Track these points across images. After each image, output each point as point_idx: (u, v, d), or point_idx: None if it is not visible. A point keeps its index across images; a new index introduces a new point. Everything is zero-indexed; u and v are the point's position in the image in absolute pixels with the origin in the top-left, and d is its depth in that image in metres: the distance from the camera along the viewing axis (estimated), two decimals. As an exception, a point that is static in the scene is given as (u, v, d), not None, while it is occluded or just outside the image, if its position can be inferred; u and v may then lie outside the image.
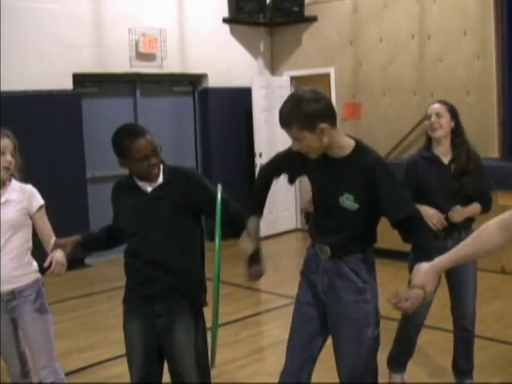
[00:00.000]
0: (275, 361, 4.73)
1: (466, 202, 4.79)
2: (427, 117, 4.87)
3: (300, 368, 3.68)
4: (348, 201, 3.46)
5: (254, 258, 3.70)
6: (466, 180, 4.76)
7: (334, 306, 3.59)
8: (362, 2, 11.01)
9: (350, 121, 11.01)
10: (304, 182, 12.10)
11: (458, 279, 4.83)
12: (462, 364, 5.03)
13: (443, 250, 4.50)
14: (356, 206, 3.45)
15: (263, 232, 11.38)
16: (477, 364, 5.40)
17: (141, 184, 3.68)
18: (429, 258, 3.04)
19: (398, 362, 5.09)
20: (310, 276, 3.69)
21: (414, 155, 5.11)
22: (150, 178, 3.64)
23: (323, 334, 3.69)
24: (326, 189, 3.54)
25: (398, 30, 10.56)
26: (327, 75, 11.61)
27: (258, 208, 3.81)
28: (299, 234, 12.00)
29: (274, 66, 12.46)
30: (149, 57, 10.45)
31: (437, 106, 4.88)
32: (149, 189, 3.67)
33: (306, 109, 3.33)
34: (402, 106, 10.62)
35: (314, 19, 11.64)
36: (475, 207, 4.83)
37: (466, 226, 4.80)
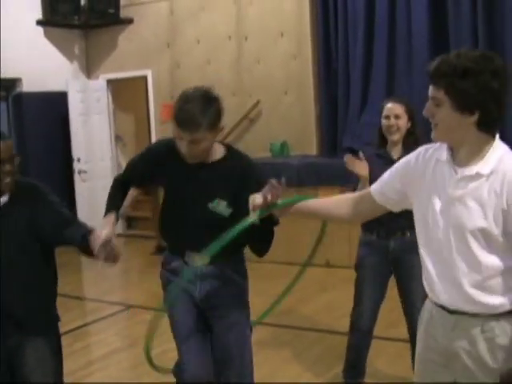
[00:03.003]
0: (118, 368, 4.63)
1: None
2: (385, 117, 4.49)
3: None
4: (220, 206, 3.34)
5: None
6: None
7: (215, 311, 3.51)
8: (178, 3, 11.05)
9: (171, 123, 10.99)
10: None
11: (406, 272, 4.49)
12: None
13: (385, 250, 4.49)
14: (229, 210, 3.35)
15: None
16: (314, 356, 5.53)
17: None
18: None
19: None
20: (182, 286, 3.50)
21: (368, 152, 4.59)
22: (1, 189, 3.26)
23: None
24: (195, 196, 3.39)
25: (215, 31, 10.68)
26: (144, 78, 11.60)
27: (113, 208, 3.59)
28: (122, 239, 11.72)
29: (89, 70, 12.23)
30: (-40, 61, 9.96)
31: (395, 106, 4.49)
32: None
33: (216, 108, 3.27)
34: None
35: (130, 21, 11.56)
36: None
37: (411, 225, 4.48)
